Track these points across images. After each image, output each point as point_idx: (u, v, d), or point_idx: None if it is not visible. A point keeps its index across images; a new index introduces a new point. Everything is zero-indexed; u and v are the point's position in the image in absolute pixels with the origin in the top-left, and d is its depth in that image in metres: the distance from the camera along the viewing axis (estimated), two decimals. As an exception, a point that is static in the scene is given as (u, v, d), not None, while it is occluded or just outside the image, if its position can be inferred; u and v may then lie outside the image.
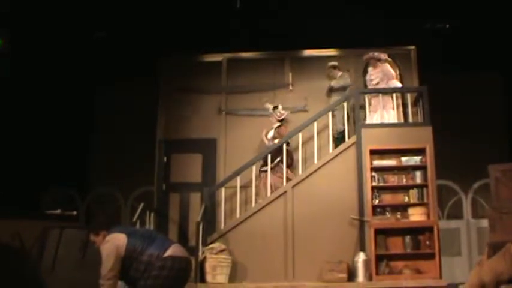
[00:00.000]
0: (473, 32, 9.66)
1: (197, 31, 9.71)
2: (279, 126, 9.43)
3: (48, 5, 8.69)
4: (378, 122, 8.82)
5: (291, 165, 9.13)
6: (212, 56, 10.32)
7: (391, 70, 9.14)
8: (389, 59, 9.25)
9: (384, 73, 9.07)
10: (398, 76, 9.63)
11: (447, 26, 9.70)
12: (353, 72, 9.80)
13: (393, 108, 8.93)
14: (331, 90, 9.64)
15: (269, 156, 8.94)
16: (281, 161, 8.91)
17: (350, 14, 9.10)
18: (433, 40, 9.69)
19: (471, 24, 9.48)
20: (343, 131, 9.00)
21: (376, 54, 9.20)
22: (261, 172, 9.11)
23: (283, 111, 9.55)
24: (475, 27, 9.54)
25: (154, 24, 9.62)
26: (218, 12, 9.37)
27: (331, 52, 10.11)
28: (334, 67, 9.73)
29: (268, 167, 8.92)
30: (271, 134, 9.44)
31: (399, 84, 9.16)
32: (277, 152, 9.01)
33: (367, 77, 9.32)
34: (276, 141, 9.22)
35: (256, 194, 8.93)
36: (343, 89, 9.49)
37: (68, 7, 8.85)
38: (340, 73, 9.67)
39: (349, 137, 8.83)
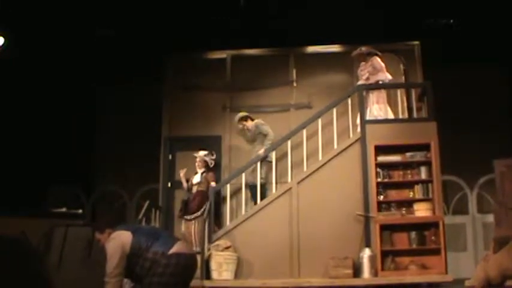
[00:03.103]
0: (476, 28, 9.63)
1: (201, 28, 9.71)
2: (207, 172, 9.02)
3: (50, 5, 8.69)
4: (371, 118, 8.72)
5: (218, 216, 8.83)
6: (216, 53, 10.32)
7: (380, 63, 8.96)
8: (379, 53, 9.08)
9: (373, 67, 8.99)
10: (402, 72, 9.60)
11: (451, 21, 9.67)
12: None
13: (385, 103, 8.83)
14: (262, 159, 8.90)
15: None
16: (207, 210, 8.40)
17: (353, 9, 9.08)
18: (435, 36, 9.66)
19: (473, 19, 9.45)
20: (256, 186, 8.68)
21: (363, 49, 9.08)
22: (186, 221, 8.75)
23: (213, 157, 9.19)
24: (477, 23, 9.51)
25: (158, 20, 9.62)
26: (222, 9, 9.37)
27: (335, 48, 10.11)
28: (245, 119, 9.35)
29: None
30: (197, 179, 9.00)
31: (388, 76, 9.03)
32: (203, 200, 8.67)
33: (359, 71, 9.26)
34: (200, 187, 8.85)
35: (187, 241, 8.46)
36: (263, 136, 9.14)
37: (70, 6, 8.86)
38: (252, 124, 9.28)
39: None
